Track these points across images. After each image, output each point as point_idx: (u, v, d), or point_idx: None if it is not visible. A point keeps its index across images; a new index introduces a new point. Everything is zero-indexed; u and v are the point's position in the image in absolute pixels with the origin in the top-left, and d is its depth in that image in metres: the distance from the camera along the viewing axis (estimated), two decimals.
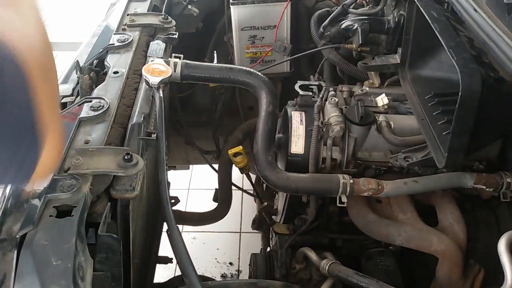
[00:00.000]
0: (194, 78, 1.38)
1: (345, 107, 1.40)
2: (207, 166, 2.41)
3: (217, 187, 2.11)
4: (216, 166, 2.25)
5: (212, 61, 2.22)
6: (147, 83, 1.22)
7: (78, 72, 1.31)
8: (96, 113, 1.15)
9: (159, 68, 1.25)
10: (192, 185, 3.17)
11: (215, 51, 2.24)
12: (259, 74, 1.40)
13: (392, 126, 1.35)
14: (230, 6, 1.78)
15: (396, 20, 1.50)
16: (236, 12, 1.79)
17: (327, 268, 1.31)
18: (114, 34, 1.47)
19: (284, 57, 1.89)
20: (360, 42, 1.51)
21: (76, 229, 0.86)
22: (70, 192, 0.93)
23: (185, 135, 2.29)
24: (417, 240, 1.27)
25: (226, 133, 2.27)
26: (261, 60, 1.91)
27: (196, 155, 2.41)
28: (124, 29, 1.51)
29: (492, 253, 1.07)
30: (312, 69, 1.93)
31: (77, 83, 1.34)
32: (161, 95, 1.19)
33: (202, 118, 2.33)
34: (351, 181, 1.24)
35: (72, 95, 1.34)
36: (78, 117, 1.14)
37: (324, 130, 1.33)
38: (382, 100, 1.43)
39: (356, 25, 1.52)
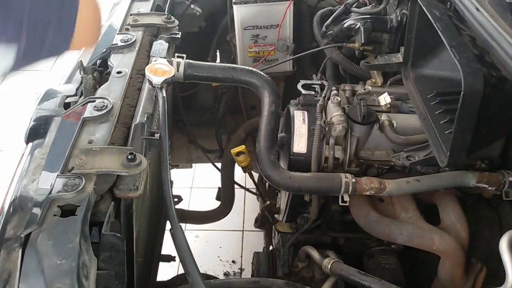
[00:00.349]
0: (197, 77, 1.38)
1: (348, 106, 1.40)
2: (210, 164, 2.42)
3: (220, 185, 2.12)
4: (219, 165, 2.25)
5: (215, 61, 2.23)
6: (150, 83, 1.22)
7: (82, 72, 1.31)
8: (100, 113, 1.15)
9: (162, 68, 1.25)
10: (195, 183, 3.18)
11: (218, 50, 2.24)
12: (262, 73, 1.40)
13: (395, 125, 1.35)
14: (233, 5, 1.79)
15: (399, 19, 1.50)
16: (238, 11, 1.79)
17: (329, 267, 1.31)
18: (117, 34, 1.47)
19: (286, 56, 1.89)
20: (363, 41, 1.52)
21: (80, 229, 0.87)
22: (74, 192, 0.93)
23: (188, 134, 2.30)
24: (419, 238, 1.27)
25: (229, 132, 2.28)
26: (263, 59, 1.92)
27: (199, 154, 2.41)
28: (127, 29, 1.52)
29: (494, 252, 1.07)
30: (314, 68, 1.93)
31: (81, 83, 1.35)
32: (164, 95, 1.20)
33: (205, 116, 2.34)
34: (353, 180, 1.25)
35: (75, 95, 1.34)
36: (82, 116, 1.15)
37: (326, 129, 1.33)
38: (384, 99, 1.43)
39: (358, 24, 1.52)
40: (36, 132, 1.22)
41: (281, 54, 1.91)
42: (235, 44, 1.96)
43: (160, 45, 1.43)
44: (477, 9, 1.14)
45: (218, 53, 2.26)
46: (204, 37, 2.14)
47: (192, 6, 1.87)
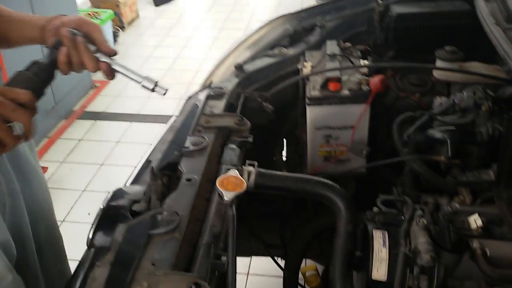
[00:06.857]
0: (268, 187, 1.31)
1: (434, 228, 1.26)
2: None
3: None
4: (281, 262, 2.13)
5: (281, 154, 2.17)
6: (221, 197, 1.16)
7: (152, 177, 1.28)
8: (166, 229, 1.09)
9: (233, 181, 1.19)
10: (252, 270, 3.04)
11: (284, 140, 2.20)
12: (338, 187, 1.30)
13: (488, 253, 1.19)
14: (306, 106, 1.74)
15: (491, 133, 1.37)
16: (312, 112, 1.74)
17: None
18: (189, 136, 1.45)
19: (359, 158, 1.79)
20: (450, 155, 1.39)
21: None
22: None
23: (250, 225, 2.20)
24: None
25: (292, 227, 2.16)
26: (335, 160, 1.83)
27: (260, 246, 2.30)
28: (199, 130, 1.49)
29: None
30: (389, 169, 1.81)
31: (149, 187, 1.31)
32: (234, 212, 1.12)
33: (269, 209, 2.24)
34: None
35: (143, 200, 1.30)
36: (148, 232, 1.09)
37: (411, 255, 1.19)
38: (475, 221, 1.28)
39: (445, 136, 1.40)
40: (99, 241, 1.18)
41: (354, 154, 1.82)
42: (304, 141, 1.89)
43: (232, 151, 1.38)
44: None
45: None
46: (272, 129, 2.10)
47: (264, 104, 1.84)
